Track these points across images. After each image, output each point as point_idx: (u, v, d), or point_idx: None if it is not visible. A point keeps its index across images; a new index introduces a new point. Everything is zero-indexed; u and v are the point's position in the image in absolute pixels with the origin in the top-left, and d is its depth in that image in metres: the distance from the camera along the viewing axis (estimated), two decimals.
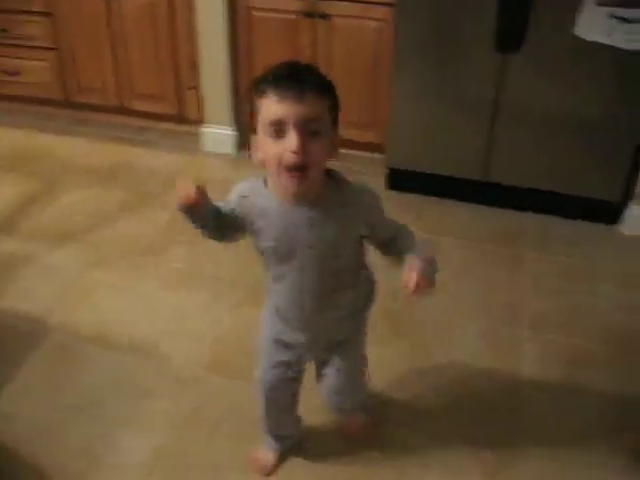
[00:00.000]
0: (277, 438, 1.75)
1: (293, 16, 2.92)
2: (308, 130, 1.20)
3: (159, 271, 2.47)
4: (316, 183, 1.29)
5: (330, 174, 1.34)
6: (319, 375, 1.64)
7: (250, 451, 1.78)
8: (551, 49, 2.47)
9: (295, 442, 1.79)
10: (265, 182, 1.35)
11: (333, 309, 1.46)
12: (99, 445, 1.81)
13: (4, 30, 3.31)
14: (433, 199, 2.90)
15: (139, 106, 3.38)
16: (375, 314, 1.62)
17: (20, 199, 2.89)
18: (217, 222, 1.37)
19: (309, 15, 2.89)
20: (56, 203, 2.87)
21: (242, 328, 2.21)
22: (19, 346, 2.13)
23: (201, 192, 1.27)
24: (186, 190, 1.26)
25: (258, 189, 1.35)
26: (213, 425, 1.87)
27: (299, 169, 1.22)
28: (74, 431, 1.85)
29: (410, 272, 1.28)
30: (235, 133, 3.25)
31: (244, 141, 3.27)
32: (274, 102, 1.19)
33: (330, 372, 1.59)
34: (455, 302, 2.33)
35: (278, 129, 1.20)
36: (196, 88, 3.21)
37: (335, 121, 1.28)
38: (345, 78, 2.89)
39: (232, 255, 2.57)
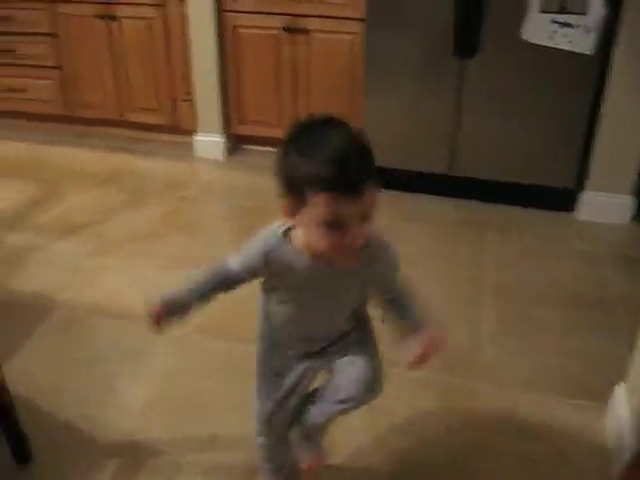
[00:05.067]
0: (277, 469, 1.71)
1: (275, 32, 3.24)
2: (364, 218, 1.18)
3: (157, 256, 2.73)
4: None
5: None
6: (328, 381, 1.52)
7: (243, 397, 1.97)
8: (503, 52, 2.79)
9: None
10: (286, 237, 1.30)
11: (329, 334, 1.48)
12: (104, 394, 2.04)
13: (12, 51, 3.62)
14: (405, 194, 3.17)
15: (137, 118, 3.68)
16: None
17: (27, 200, 3.17)
18: (204, 298, 1.46)
19: (289, 30, 3.20)
20: (60, 203, 3.14)
21: (234, 301, 2.44)
22: (30, 319, 2.36)
23: (157, 313, 1.40)
24: (150, 315, 1.39)
25: (284, 245, 1.30)
26: (206, 375, 2.11)
27: (354, 250, 1.20)
28: (82, 384, 2.07)
29: (421, 347, 1.31)
30: (224, 140, 3.55)
31: (232, 147, 3.60)
32: (332, 202, 1.12)
33: (340, 365, 1.48)
34: (422, 275, 2.57)
35: (337, 222, 1.14)
36: (190, 100, 3.51)
37: None
38: (322, 87, 3.22)
39: (225, 242, 2.85)
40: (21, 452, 1.78)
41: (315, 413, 1.52)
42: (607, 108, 2.81)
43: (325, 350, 1.49)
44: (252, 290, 2.47)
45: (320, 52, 3.23)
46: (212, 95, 3.45)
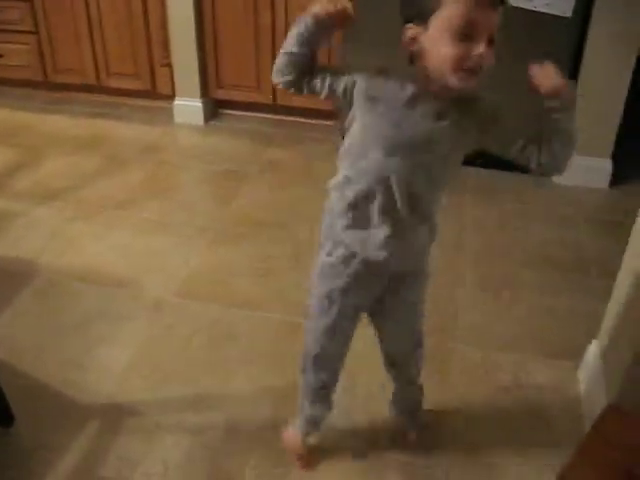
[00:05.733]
0: (310, 417, 1.67)
1: None
2: (490, 37, 1.21)
3: (134, 221, 2.73)
4: None
5: None
6: (378, 325, 1.59)
7: (222, 359, 2.04)
8: None
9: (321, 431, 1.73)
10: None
11: (413, 225, 1.41)
12: (85, 359, 2.05)
13: None
14: None
15: (115, 84, 3.64)
16: None
17: (5, 166, 3.14)
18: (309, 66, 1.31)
19: None
20: (39, 169, 3.12)
21: (212, 264, 2.48)
22: (9, 285, 2.36)
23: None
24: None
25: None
26: (186, 338, 2.12)
27: (477, 72, 1.24)
28: (63, 348, 2.08)
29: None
30: (203, 104, 3.53)
31: (210, 111, 3.58)
32: (473, 5, 1.16)
33: (393, 306, 1.52)
34: None
35: (467, 32, 1.18)
36: (168, 65, 3.48)
37: None
38: None
39: (204, 206, 2.86)
40: (3, 416, 1.79)
41: (414, 370, 1.67)
42: (585, 71, 2.82)
43: (383, 298, 1.50)
44: (231, 257, 2.51)
45: (298, 15, 3.19)
46: (190, 59, 3.41)
